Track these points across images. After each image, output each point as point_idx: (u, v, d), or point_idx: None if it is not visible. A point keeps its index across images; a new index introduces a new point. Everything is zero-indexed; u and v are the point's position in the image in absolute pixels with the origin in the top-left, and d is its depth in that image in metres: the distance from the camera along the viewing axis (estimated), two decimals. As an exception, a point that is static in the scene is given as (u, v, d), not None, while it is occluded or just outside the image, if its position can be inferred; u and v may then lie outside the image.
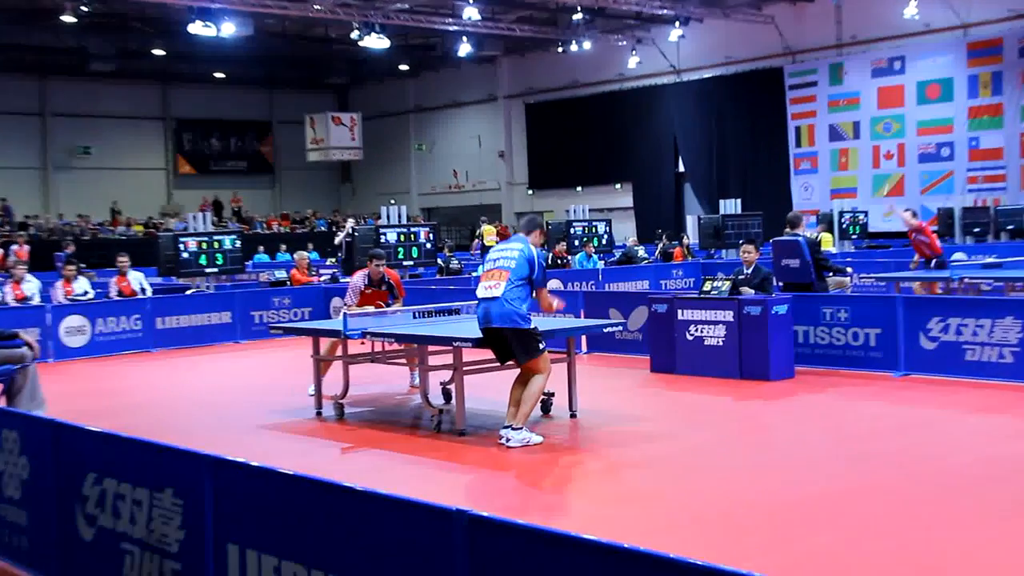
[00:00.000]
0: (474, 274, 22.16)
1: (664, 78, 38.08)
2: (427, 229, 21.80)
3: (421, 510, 3.71)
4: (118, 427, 6.58)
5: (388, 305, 11.82)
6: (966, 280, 14.93)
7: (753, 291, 12.16)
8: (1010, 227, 26.93)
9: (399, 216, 22.40)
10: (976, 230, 26.89)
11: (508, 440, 8.59)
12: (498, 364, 9.14)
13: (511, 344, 8.56)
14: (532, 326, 8.59)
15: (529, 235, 8.90)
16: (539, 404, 10.13)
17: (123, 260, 17.97)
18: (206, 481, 4.59)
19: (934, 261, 15.81)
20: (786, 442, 8.90)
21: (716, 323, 11.91)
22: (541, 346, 8.64)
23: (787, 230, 13.69)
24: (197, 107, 46.03)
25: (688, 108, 37.46)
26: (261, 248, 34.75)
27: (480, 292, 8.63)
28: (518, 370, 8.80)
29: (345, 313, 10.37)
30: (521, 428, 8.63)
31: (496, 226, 34.82)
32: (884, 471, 7.65)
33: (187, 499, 4.70)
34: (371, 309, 11.53)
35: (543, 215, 40.75)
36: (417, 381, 11.83)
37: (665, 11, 33.02)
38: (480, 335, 8.70)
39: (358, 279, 12.00)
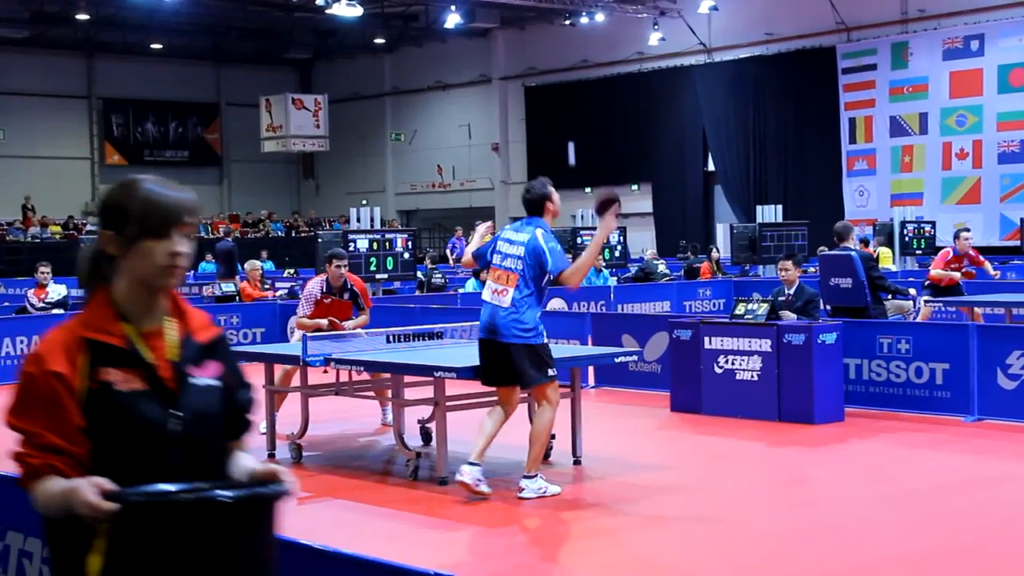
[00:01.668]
0: (461, 291, 22.20)
1: (692, 58, 38.20)
2: (405, 236, 21.80)
3: (393, 574, 3.71)
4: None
5: (351, 318, 11.79)
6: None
7: (795, 316, 12.19)
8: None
9: (372, 220, 22.42)
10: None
11: (522, 491, 8.60)
12: (488, 401, 9.14)
13: (515, 362, 8.45)
14: (543, 341, 8.59)
15: (539, 214, 8.83)
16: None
17: (44, 271, 17.96)
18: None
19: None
20: (832, 499, 8.90)
21: (750, 354, 11.92)
22: (552, 371, 8.60)
23: (837, 243, 13.74)
24: (129, 85, 46.07)
25: (720, 95, 37.55)
26: (209, 256, 34.73)
27: (486, 295, 8.62)
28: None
29: (305, 335, 10.37)
30: (536, 476, 8.63)
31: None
32: (951, 537, 7.66)
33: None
34: (325, 323, 11.53)
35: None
36: (390, 418, 11.85)
37: (694, -22, 33.19)
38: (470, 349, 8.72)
39: (314, 285, 11.96)
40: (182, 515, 2.73)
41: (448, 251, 38.13)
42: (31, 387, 2.86)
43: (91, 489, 2.68)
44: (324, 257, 13.15)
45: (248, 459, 3.15)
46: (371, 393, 11.10)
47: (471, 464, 8.47)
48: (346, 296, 11.82)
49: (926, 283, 16.60)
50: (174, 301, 3.09)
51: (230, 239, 30.94)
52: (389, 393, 10.46)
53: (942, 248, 17.80)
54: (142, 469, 2.84)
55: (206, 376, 3.03)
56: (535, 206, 8.83)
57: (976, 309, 15.83)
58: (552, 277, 8.56)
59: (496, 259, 8.68)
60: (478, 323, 8.73)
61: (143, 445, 2.90)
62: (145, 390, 2.92)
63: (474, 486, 8.43)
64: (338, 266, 11.75)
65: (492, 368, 8.60)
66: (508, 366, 8.49)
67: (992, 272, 18.00)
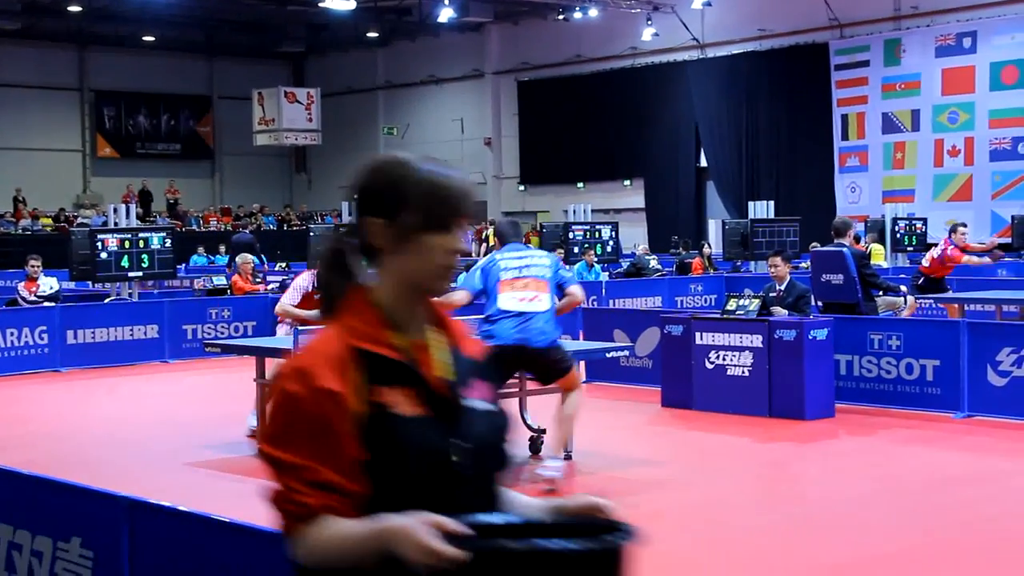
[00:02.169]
0: (452, 286, 22.16)
1: (685, 54, 38.19)
2: (396, 230, 21.80)
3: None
4: (15, 463, 6.57)
5: None
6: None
7: (787, 312, 12.20)
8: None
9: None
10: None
11: (547, 470, 8.72)
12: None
13: (552, 365, 8.75)
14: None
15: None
16: (528, 443, 10.15)
17: (35, 264, 17.91)
18: (122, 528, 4.59)
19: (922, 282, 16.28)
20: (822, 495, 8.92)
21: (742, 349, 11.93)
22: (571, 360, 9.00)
23: (834, 239, 13.74)
24: (121, 77, 45.95)
25: (713, 91, 37.54)
26: (201, 249, 34.71)
27: (512, 304, 8.62)
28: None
29: (296, 329, 10.35)
30: (562, 457, 8.85)
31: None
32: (941, 533, 7.67)
33: (98, 551, 4.69)
34: (312, 315, 11.54)
35: (536, 216, 40.89)
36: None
37: (688, -27, 33.19)
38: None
39: (306, 279, 11.96)
40: (534, 568, 2.21)
41: None
42: (296, 409, 2.34)
43: (430, 531, 2.18)
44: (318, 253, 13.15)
45: (517, 495, 2.62)
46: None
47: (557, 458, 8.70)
48: None
49: (918, 281, 16.63)
50: (435, 307, 2.57)
51: (247, 231, 30.97)
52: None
53: (934, 245, 17.80)
54: (424, 510, 2.26)
55: (482, 398, 2.52)
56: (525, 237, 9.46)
57: (955, 305, 15.93)
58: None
59: (509, 275, 8.74)
60: (471, 319, 8.80)
61: (428, 482, 2.38)
62: (426, 415, 2.40)
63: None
64: None
65: (534, 370, 8.89)
66: (548, 363, 8.77)
67: (979, 260, 18.03)
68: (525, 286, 8.66)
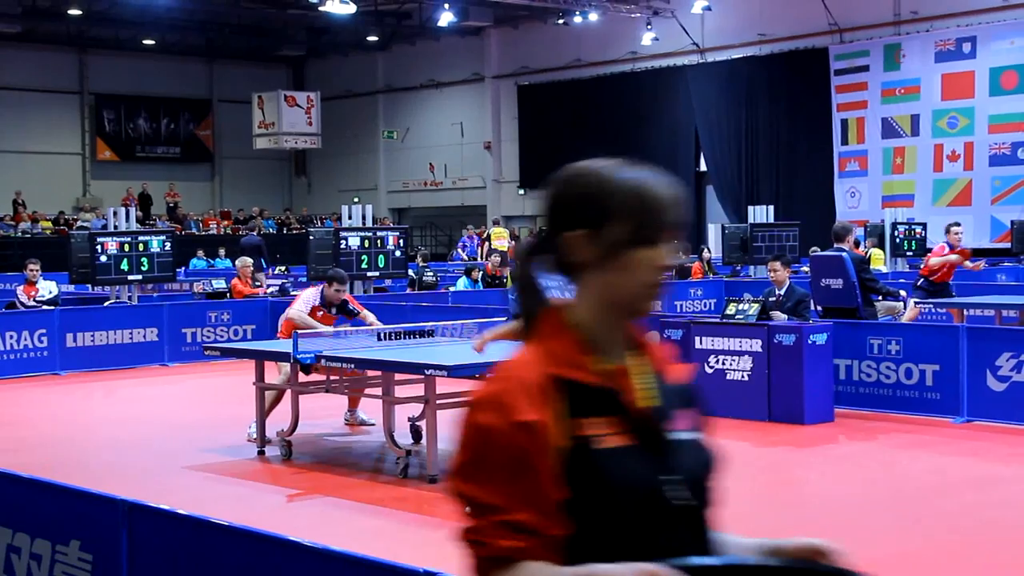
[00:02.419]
0: (452, 289, 22.19)
1: (685, 58, 38.19)
2: (397, 234, 21.80)
3: (382, 571, 3.71)
4: (13, 466, 6.57)
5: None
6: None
7: (786, 316, 12.20)
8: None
9: (363, 217, 22.40)
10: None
11: None
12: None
13: None
14: None
15: None
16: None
17: (34, 268, 17.91)
18: (121, 532, 4.59)
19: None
20: (821, 500, 8.91)
21: (741, 354, 11.93)
22: None
23: (834, 243, 13.74)
24: (121, 80, 45.97)
25: (713, 95, 37.54)
26: (200, 252, 34.72)
27: None
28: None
29: (296, 333, 10.36)
30: None
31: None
32: (940, 538, 7.67)
33: (97, 554, 4.69)
34: (322, 329, 11.60)
35: (536, 220, 40.84)
36: (359, 417, 11.90)
37: (688, -22, 33.21)
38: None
39: (312, 294, 12.08)
40: None
41: (460, 248, 38.21)
42: (491, 443, 2.11)
43: None
44: (324, 274, 13.24)
45: (727, 534, 2.38)
46: (373, 391, 11.05)
47: None
48: (333, 311, 11.94)
49: (918, 283, 16.63)
50: (634, 329, 2.32)
51: (255, 234, 31.04)
52: (375, 391, 10.46)
53: (932, 249, 17.83)
54: (633, 556, 2.06)
55: (689, 429, 2.30)
56: None
57: (955, 310, 15.96)
58: None
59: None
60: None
61: (636, 522, 2.15)
62: (632, 448, 2.17)
63: None
64: (337, 290, 11.83)
65: None
66: None
67: (970, 265, 17.98)
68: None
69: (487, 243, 32.44)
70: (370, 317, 12.10)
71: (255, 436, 10.77)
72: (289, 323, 11.72)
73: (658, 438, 2.21)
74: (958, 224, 17.06)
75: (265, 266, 25.75)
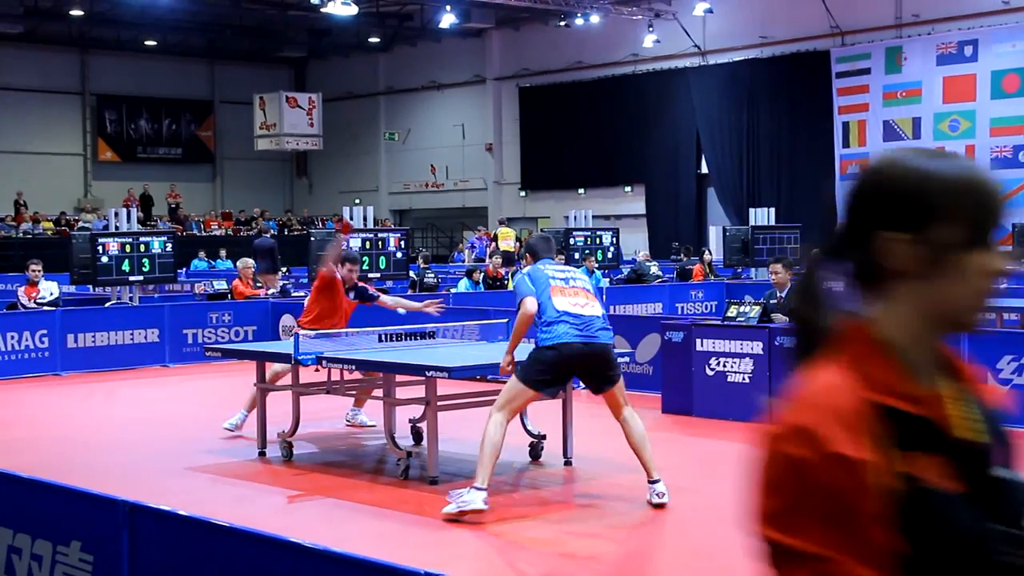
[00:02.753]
0: (453, 291, 22.20)
1: (686, 60, 38.19)
2: (398, 235, 21.81)
3: (382, 572, 3.71)
4: (14, 467, 6.58)
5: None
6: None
7: (787, 319, 12.19)
8: (1098, 249, 27.08)
9: (365, 219, 22.40)
10: (1057, 252, 27.04)
11: (662, 495, 8.44)
12: (479, 401, 9.18)
13: (609, 369, 8.56)
14: None
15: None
16: (528, 449, 10.15)
17: (35, 268, 17.90)
18: (122, 532, 4.59)
19: None
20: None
21: (742, 356, 11.93)
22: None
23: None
24: (122, 81, 45.99)
25: (714, 97, 37.55)
26: (202, 253, 34.73)
27: (569, 307, 8.44)
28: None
29: (296, 332, 10.38)
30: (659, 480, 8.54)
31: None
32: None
33: (98, 554, 4.69)
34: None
35: (537, 222, 40.88)
36: (360, 419, 11.91)
37: (690, -20, 33.23)
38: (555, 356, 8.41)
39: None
40: None
41: (468, 249, 38.23)
42: (805, 481, 1.76)
43: None
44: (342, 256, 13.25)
45: None
46: (374, 392, 11.04)
47: None
48: (352, 295, 11.88)
49: None
50: (945, 348, 1.96)
51: (269, 236, 31.10)
52: (376, 393, 10.46)
53: None
54: None
55: (1006, 465, 1.91)
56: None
57: None
58: None
59: (557, 283, 8.58)
60: (557, 335, 8.34)
61: None
62: (964, 491, 1.81)
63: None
64: (351, 270, 11.78)
65: (592, 373, 8.58)
66: (607, 366, 8.54)
67: None
68: (576, 293, 8.55)
69: (495, 243, 32.53)
70: (389, 300, 12.17)
71: (236, 426, 10.99)
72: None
73: (990, 480, 1.85)
74: None
75: (279, 268, 25.86)
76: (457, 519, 7.98)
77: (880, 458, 1.76)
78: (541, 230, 29.58)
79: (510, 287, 23.00)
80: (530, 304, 8.39)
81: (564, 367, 8.47)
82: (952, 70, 32.57)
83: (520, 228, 37.70)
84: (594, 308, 8.53)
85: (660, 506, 8.30)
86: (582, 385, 9.29)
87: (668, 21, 37.10)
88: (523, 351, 8.63)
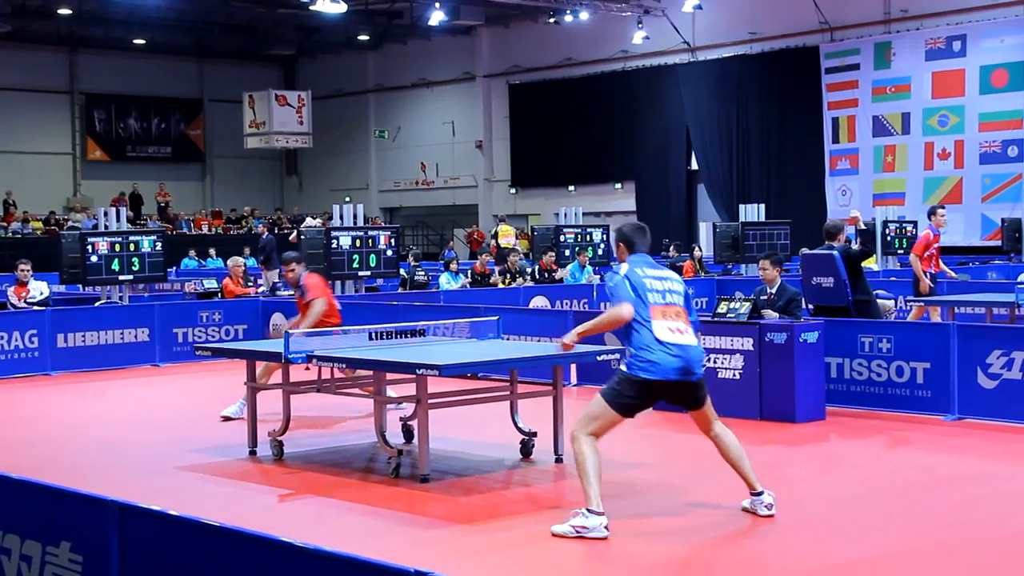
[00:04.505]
0: (444, 287, 22.20)
1: (675, 57, 38.24)
2: (388, 233, 21.80)
3: (372, 571, 3.71)
4: (4, 467, 6.56)
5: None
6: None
7: (777, 315, 12.20)
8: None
9: (355, 217, 22.39)
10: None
11: (771, 507, 8.16)
12: (470, 399, 9.19)
13: (704, 391, 8.29)
14: None
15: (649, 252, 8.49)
16: (519, 446, 10.15)
17: (25, 268, 17.87)
18: (112, 533, 4.58)
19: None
20: (812, 498, 8.92)
21: (732, 352, 11.94)
22: None
23: (826, 241, 13.74)
24: (111, 80, 45.91)
25: (703, 93, 37.60)
26: (192, 252, 34.68)
27: (668, 336, 8.02)
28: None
29: (287, 332, 10.37)
30: (763, 491, 8.23)
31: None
32: (931, 535, 7.68)
33: (88, 555, 4.68)
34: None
35: (528, 219, 40.87)
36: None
37: (679, -24, 33.23)
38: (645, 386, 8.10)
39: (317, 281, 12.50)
40: None
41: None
42: None
43: None
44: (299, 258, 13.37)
45: None
46: (355, 390, 11.05)
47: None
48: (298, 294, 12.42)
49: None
50: None
51: (269, 234, 31.09)
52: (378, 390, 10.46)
53: (917, 238, 17.76)
54: None
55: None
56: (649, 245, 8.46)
57: (928, 307, 16.06)
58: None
59: (656, 297, 8.11)
60: (654, 367, 8.00)
61: None
62: None
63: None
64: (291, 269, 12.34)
65: (683, 399, 8.28)
66: (699, 391, 8.25)
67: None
68: (677, 315, 8.11)
69: (495, 241, 32.62)
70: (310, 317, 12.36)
71: (236, 413, 11.11)
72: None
73: None
74: (942, 207, 17.05)
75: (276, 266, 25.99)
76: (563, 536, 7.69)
77: None
78: (532, 227, 29.57)
79: (497, 283, 23.03)
80: (627, 311, 8.00)
81: (654, 395, 8.23)
82: (941, 65, 32.65)
83: (518, 226, 37.74)
84: (690, 336, 8.10)
85: (768, 517, 8.05)
86: (572, 382, 9.20)
87: (657, 18, 37.12)
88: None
